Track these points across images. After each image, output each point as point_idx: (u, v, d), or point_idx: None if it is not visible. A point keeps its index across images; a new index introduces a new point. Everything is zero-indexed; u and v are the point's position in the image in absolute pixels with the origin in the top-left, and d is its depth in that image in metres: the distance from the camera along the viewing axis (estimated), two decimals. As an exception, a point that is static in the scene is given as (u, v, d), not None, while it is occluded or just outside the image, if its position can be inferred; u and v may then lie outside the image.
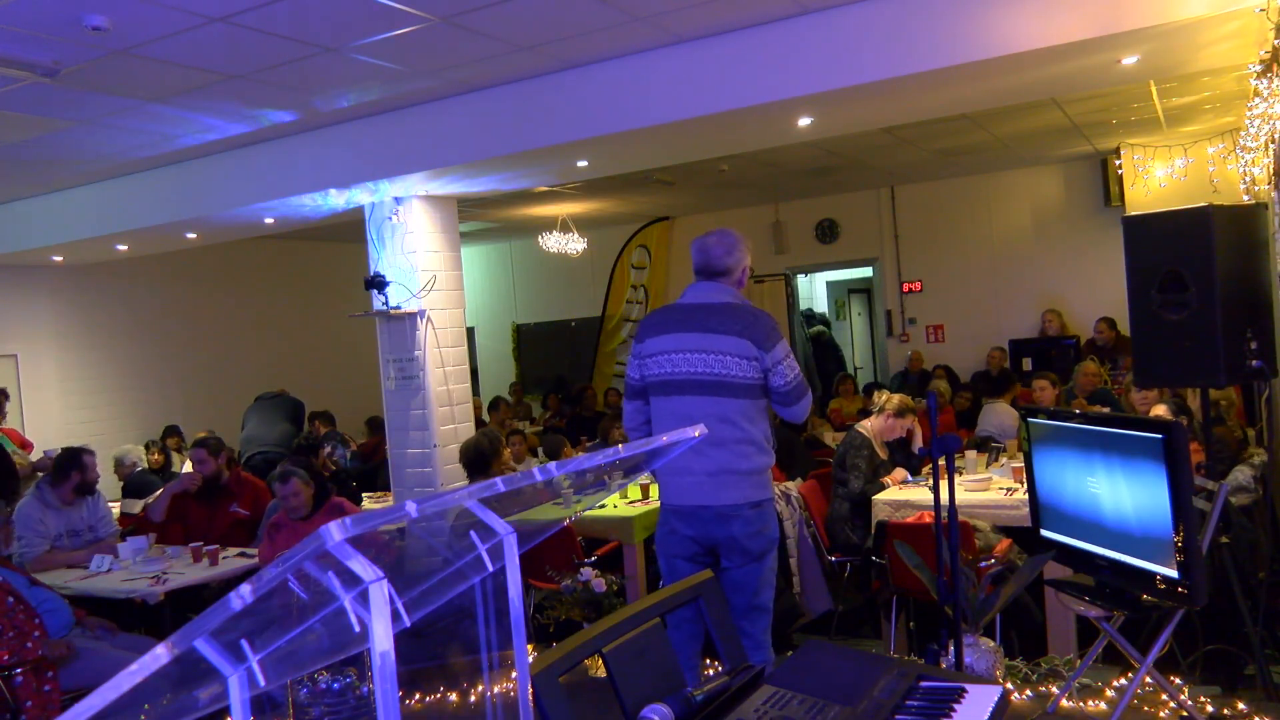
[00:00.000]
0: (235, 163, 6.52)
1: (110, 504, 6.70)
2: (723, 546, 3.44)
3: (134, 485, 7.55)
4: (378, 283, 6.24)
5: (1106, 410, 6.14)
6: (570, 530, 5.12)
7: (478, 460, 5.45)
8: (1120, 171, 8.65)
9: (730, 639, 2.09)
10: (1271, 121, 4.25)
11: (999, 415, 7.01)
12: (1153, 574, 3.12)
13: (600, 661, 1.80)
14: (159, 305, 10.08)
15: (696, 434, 2.18)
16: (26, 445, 8.05)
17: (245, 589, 1.30)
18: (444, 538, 2.15)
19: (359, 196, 6.42)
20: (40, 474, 6.43)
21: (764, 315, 3.48)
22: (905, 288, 10.88)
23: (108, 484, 7.65)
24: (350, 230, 7.57)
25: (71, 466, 5.38)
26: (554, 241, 9.90)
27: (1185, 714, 3.61)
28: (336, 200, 6.55)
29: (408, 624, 1.45)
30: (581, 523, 5.30)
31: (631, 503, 5.59)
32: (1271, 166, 4.52)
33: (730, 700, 1.84)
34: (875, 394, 7.02)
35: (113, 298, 9.72)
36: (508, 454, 5.66)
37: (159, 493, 5.89)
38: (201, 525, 5.69)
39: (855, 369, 13.03)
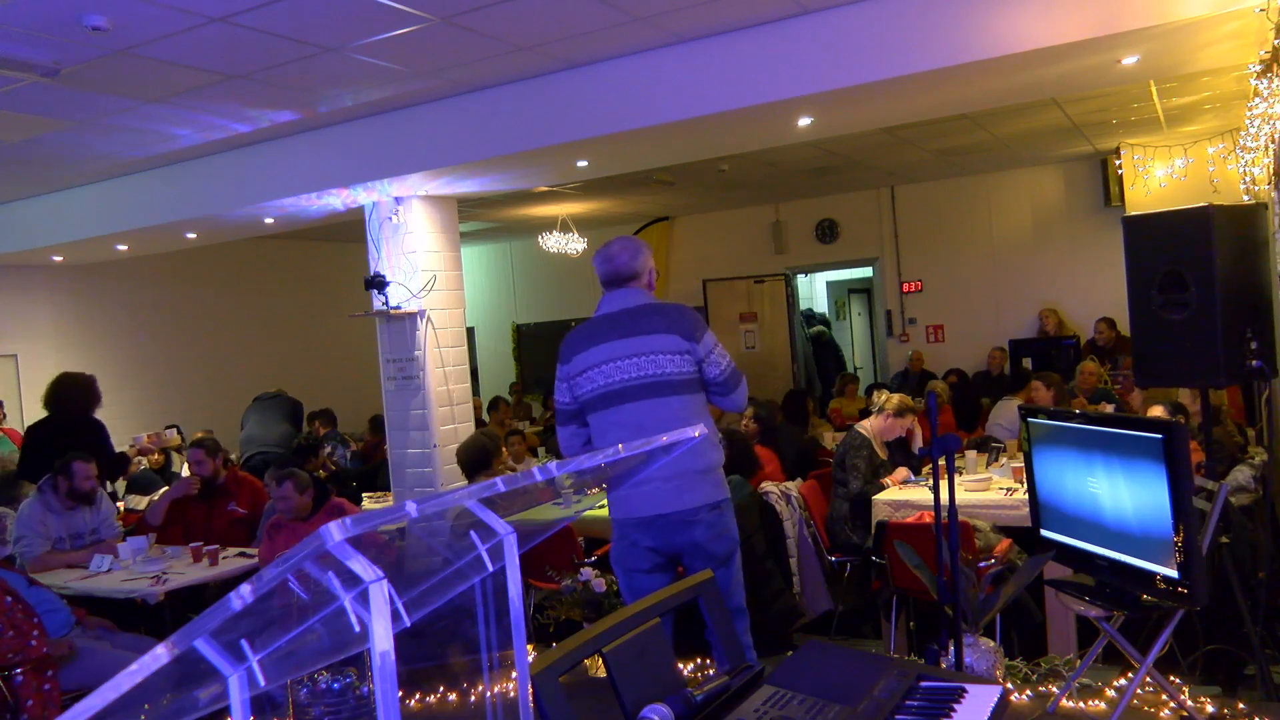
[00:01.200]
0: (235, 163, 6.52)
1: (116, 502, 6.72)
2: (685, 554, 3.38)
3: (139, 482, 7.57)
4: (378, 283, 6.24)
5: (1113, 408, 6.13)
6: (570, 530, 5.12)
7: (480, 458, 5.46)
8: (1120, 171, 8.64)
9: (730, 639, 2.09)
10: (1271, 121, 4.25)
11: (1012, 412, 6.99)
12: (1153, 574, 3.12)
13: (600, 661, 1.80)
14: (159, 305, 10.08)
15: (696, 434, 2.18)
16: (27, 446, 8.04)
17: (245, 589, 1.30)
18: (444, 538, 2.16)
19: (359, 196, 6.42)
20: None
21: (688, 309, 3.46)
22: (905, 288, 10.89)
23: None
24: (350, 230, 7.57)
25: (58, 474, 5.37)
26: (554, 241, 9.91)
27: (1185, 714, 3.61)
28: (336, 200, 6.56)
29: (408, 624, 1.45)
30: (581, 523, 5.29)
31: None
32: (1271, 166, 4.52)
33: (730, 700, 1.84)
34: (875, 394, 7.03)
35: (113, 298, 9.72)
36: (506, 454, 5.67)
37: (158, 495, 5.89)
38: (200, 525, 5.70)
39: (855, 369, 13.03)
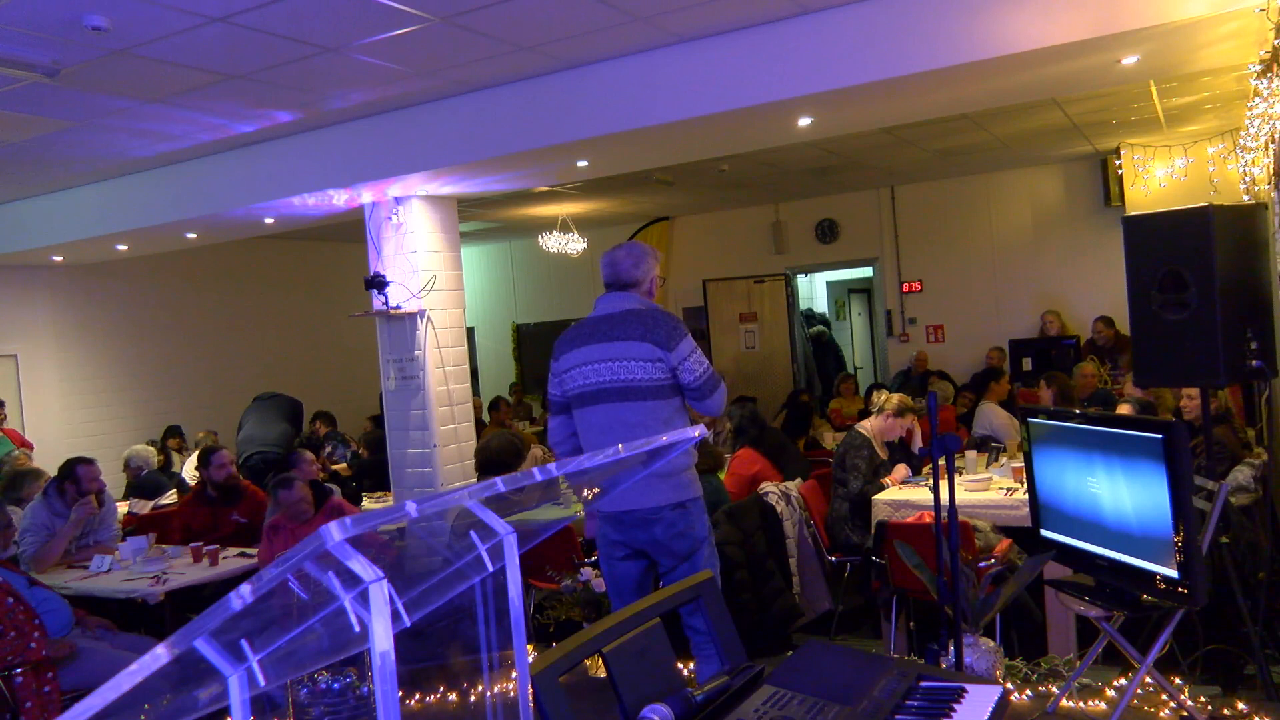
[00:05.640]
0: (235, 163, 6.52)
1: (116, 503, 6.74)
2: (649, 549, 3.56)
3: (144, 486, 7.54)
4: (378, 283, 6.24)
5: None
6: (570, 530, 5.12)
7: (506, 461, 5.47)
8: (1120, 171, 8.64)
9: (730, 639, 2.09)
10: (1271, 121, 4.25)
11: (987, 415, 7.02)
12: (1153, 574, 3.12)
13: (600, 661, 1.80)
14: (159, 305, 10.08)
15: (696, 434, 2.18)
16: (27, 445, 8.05)
17: (245, 589, 1.30)
18: (444, 538, 2.16)
19: (359, 196, 6.42)
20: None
21: (667, 316, 3.59)
22: (905, 288, 10.88)
23: (115, 483, 7.66)
24: (350, 230, 7.56)
25: (65, 478, 5.44)
26: (554, 241, 9.90)
27: (1185, 714, 3.61)
28: (336, 200, 6.55)
29: (408, 624, 1.45)
30: (581, 523, 5.29)
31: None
32: (1271, 166, 4.52)
33: (730, 700, 1.84)
34: (875, 394, 7.02)
35: (113, 298, 9.72)
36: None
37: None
38: (206, 528, 5.70)
39: (855, 369, 13.02)
